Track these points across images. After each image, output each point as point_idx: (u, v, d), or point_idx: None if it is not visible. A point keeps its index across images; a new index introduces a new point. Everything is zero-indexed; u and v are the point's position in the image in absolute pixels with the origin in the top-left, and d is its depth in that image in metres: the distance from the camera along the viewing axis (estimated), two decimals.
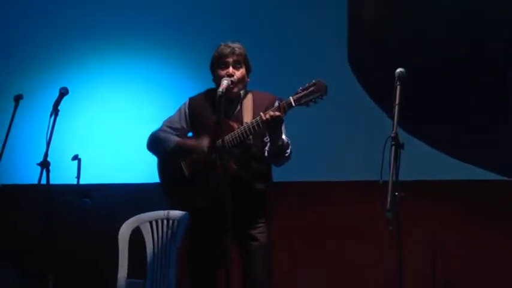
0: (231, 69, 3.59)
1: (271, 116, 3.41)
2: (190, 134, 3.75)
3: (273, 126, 3.45)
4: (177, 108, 3.78)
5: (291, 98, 3.44)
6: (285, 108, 3.43)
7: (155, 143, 3.73)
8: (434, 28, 3.41)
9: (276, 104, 3.50)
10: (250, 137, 3.51)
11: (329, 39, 4.93)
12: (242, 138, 3.48)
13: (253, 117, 3.54)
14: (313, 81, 3.43)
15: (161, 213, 4.26)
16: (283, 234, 4.62)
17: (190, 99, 3.78)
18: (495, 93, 3.36)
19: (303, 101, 3.42)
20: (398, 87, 3.11)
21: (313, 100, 3.42)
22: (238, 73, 3.61)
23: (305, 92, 3.42)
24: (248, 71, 3.67)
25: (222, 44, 3.65)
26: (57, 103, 3.76)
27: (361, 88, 4.60)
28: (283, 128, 3.55)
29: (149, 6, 5.19)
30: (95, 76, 5.15)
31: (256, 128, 3.46)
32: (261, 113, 3.44)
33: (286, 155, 3.59)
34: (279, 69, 4.97)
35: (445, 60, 3.35)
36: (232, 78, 3.55)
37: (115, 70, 5.17)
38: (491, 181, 4.66)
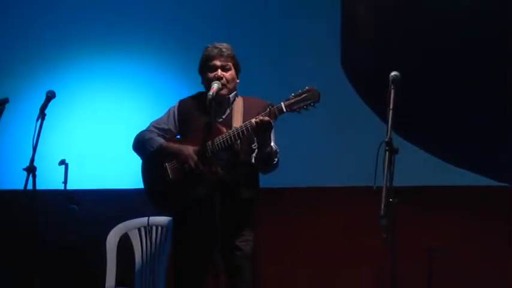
0: (219, 71, 3.54)
1: (261, 121, 3.36)
2: (178, 137, 3.69)
3: (262, 131, 3.40)
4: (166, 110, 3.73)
5: (282, 103, 3.39)
6: (276, 114, 3.38)
7: (140, 143, 3.67)
8: (434, 28, 3.38)
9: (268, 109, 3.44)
10: (238, 141, 3.45)
11: (322, 42, 4.89)
12: (230, 141, 3.42)
13: (243, 122, 3.47)
14: (306, 87, 3.39)
15: (150, 219, 4.20)
16: (271, 242, 4.58)
17: (180, 101, 3.73)
18: (495, 93, 3.34)
19: (294, 107, 3.37)
20: (392, 91, 3.07)
21: (305, 107, 3.37)
22: (228, 75, 3.56)
23: (297, 98, 3.37)
24: (237, 71, 3.62)
25: (209, 45, 3.60)
26: (43, 107, 3.72)
27: (354, 92, 4.56)
28: (272, 136, 3.50)
29: (137, 9, 5.15)
30: (82, 79, 5.11)
31: (245, 132, 3.41)
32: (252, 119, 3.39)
33: (274, 162, 3.54)
34: (273, 73, 4.93)
35: (445, 60, 3.33)
36: (222, 81, 3.51)
37: (103, 73, 5.13)
38: (486, 187, 4.67)
